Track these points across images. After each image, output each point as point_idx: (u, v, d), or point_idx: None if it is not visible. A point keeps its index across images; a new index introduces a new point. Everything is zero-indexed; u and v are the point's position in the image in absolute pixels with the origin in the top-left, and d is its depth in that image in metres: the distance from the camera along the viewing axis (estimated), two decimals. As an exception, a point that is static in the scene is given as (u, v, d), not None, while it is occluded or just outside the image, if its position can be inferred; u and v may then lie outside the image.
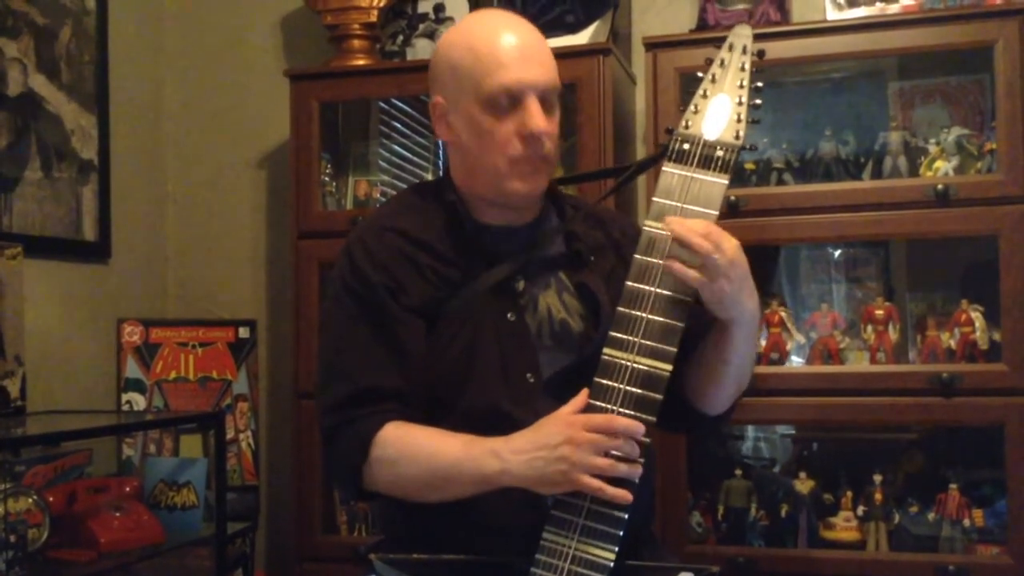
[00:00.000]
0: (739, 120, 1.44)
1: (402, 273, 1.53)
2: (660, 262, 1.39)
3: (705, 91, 1.47)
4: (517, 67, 1.49)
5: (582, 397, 1.39)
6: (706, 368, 1.51)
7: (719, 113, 1.45)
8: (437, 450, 1.44)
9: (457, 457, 1.42)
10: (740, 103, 1.45)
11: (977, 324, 2.28)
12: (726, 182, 1.42)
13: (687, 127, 1.45)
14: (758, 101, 1.47)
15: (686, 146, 1.44)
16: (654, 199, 1.43)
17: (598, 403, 1.38)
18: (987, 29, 2.23)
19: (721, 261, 1.36)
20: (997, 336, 2.25)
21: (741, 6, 2.50)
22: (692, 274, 1.37)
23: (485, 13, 1.65)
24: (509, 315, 1.53)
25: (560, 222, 1.63)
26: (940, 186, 2.23)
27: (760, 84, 1.48)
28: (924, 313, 2.42)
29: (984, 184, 2.23)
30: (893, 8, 2.40)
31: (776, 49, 2.20)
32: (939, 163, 2.35)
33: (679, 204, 1.41)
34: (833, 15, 2.45)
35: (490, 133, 1.51)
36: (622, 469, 1.34)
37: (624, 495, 1.34)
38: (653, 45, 2.42)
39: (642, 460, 1.36)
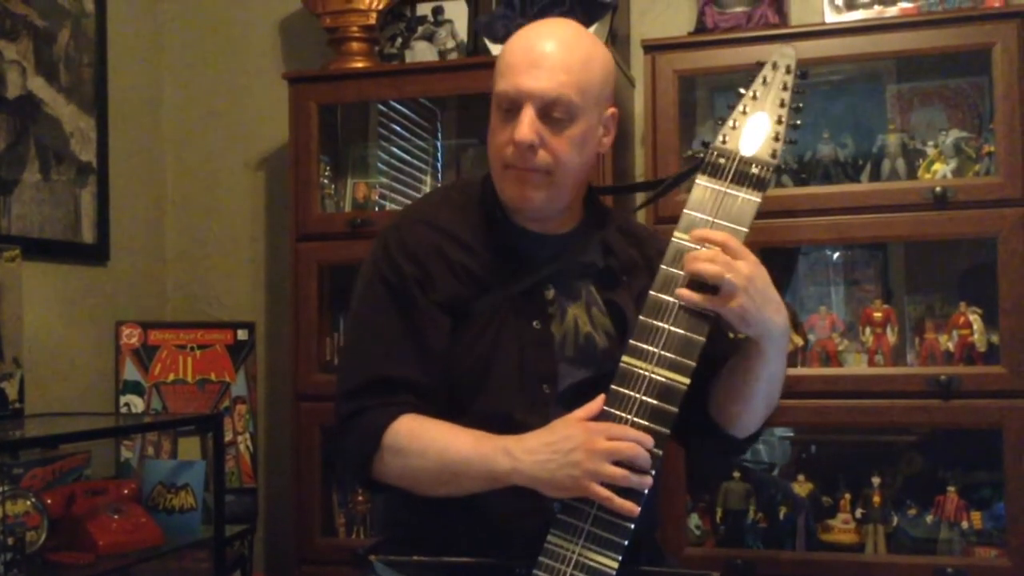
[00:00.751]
0: (777, 139, 1.44)
1: (433, 267, 1.52)
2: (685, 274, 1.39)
3: (745, 108, 1.46)
4: (520, 73, 1.47)
5: (598, 403, 1.38)
6: (736, 387, 1.49)
7: (757, 130, 1.44)
8: (448, 444, 1.44)
9: (468, 453, 1.42)
10: (780, 122, 1.45)
11: (975, 326, 2.28)
12: (759, 200, 1.41)
13: (724, 142, 1.44)
14: (798, 121, 1.47)
15: (722, 160, 1.43)
16: (685, 211, 1.42)
17: (613, 411, 1.37)
18: (985, 32, 2.24)
19: (736, 280, 1.35)
20: (995, 338, 2.25)
21: (739, 9, 2.50)
22: (704, 301, 1.36)
23: (545, 20, 1.60)
24: (535, 323, 1.52)
25: (598, 233, 1.61)
26: (938, 188, 2.23)
27: (801, 105, 1.47)
28: (922, 315, 2.42)
29: (982, 187, 2.24)
30: (891, 11, 2.41)
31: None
32: (937, 165, 2.35)
33: (710, 218, 1.41)
34: (831, 18, 2.45)
35: (494, 134, 1.52)
36: (633, 480, 1.33)
37: (631, 508, 1.33)
38: (652, 48, 2.42)
39: (653, 472, 1.35)
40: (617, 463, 1.34)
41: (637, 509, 1.33)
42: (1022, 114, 2.20)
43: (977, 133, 2.38)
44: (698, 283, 1.37)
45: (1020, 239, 2.19)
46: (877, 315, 2.37)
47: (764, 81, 1.47)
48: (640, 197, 2.08)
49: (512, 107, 1.48)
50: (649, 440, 1.35)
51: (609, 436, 1.34)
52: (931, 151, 2.38)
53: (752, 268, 1.37)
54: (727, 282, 1.35)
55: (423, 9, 2.80)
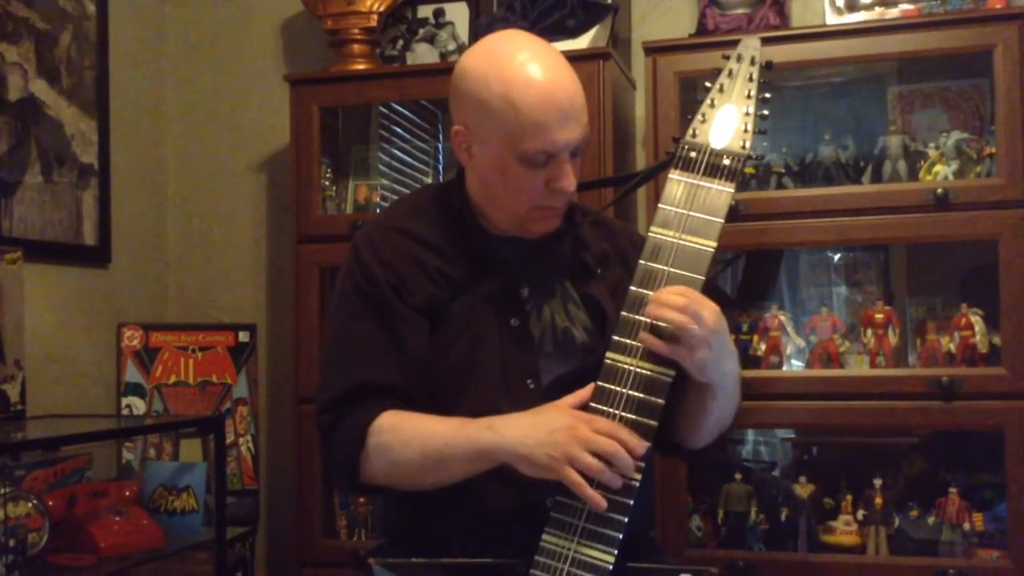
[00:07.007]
0: (746, 130, 1.45)
1: (407, 272, 1.53)
2: (665, 268, 1.40)
3: (712, 100, 1.48)
4: (554, 130, 1.45)
5: (587, 390, 1.39)
6: (687, 414, 1.52)
7: (726, 122, 1.46)
8: (432, 430, 1.45)
9: (452, 433, 1.43)
10: (747, 113, 1.46)
11: (977, 328, 2.28)
12: (732, 191, 1.43)
13: (694, 136, 1.46)
14: (765, 111, 1.49)
15: (693, 154, 1.45)
16: (660, 206, 1.44)
17: (600, 407, 1.38)
18: (986, 33, 2.24)
19: (701, 332, 1.35)
20: (997, 340, 2.25)
21: (741, 11, 2.50)
22: (666, 350, 1.37)
23: (516, 47, 1.49)
24: (513, 321, 1.53)
25: (568, 228, 1.63)
26: (940, 190, 2.23)
27: (768, 95, 1.49)
28: (924, 317, 2.42)
29: (983, 188, 2.24)
30: (892, 12, 2.41)
31: (776, 53, 2.19)
32: (938, 167, 2.35)
33: (685, 211, 1.42)
34: (832, 19, 2.45)
35: (519, 180, 1.49)
36: (607, 477, 1.34)
37: (599, 501, 1.33)
38: (653, 50, 2.42)
39: (642, 464, 1.36)
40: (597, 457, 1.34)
41: (604, 504, 1.33)
42: (1023, 115, 2.20)
43: (978, 135, 2.38)
44: (659, 328, 1.37)
45: (1021, 240, 2.18)
46: (878, 316, 2.37)
47: (730, 73, 1.49)
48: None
49: (548, 159, 1.47)
50: (634, 442, 1.34)
51: (595, 427, 1.35)
52: (932, 153, 2.37)
53: (715, 320, 1.37)
54: (692, 333, 1.35)
55: (424, 11, 2.81)
